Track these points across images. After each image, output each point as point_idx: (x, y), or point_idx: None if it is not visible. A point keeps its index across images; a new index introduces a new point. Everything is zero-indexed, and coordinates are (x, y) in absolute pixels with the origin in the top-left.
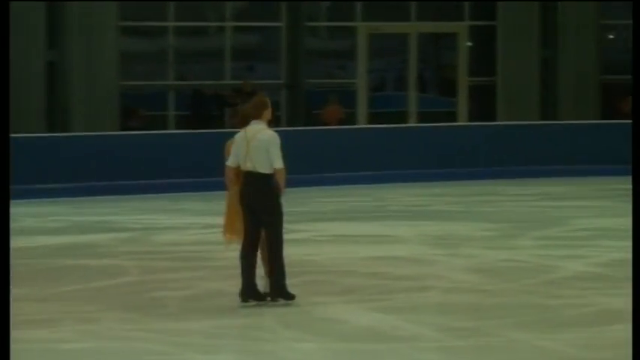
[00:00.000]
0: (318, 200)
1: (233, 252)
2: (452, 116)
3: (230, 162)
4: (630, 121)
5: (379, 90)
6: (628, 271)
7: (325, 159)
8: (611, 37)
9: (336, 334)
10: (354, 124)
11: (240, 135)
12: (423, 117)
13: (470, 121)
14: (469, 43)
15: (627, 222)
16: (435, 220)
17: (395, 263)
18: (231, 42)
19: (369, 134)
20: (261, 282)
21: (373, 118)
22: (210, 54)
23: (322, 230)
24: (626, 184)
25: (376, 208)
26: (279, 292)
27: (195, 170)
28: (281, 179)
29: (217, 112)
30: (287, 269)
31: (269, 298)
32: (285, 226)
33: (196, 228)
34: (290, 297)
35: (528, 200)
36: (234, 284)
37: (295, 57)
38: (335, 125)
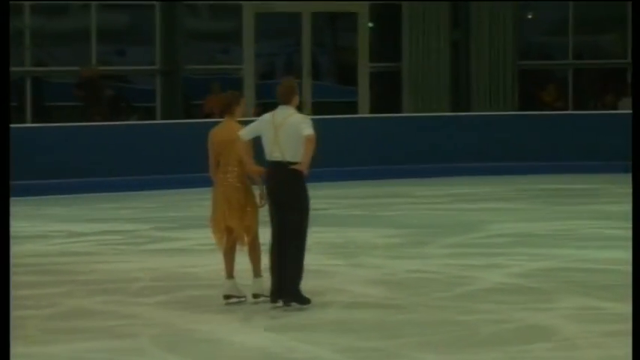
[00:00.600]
0: (198, 204)
1: (101, 264)
2: (351, 107)
3: (244, 133)
4: (554, 112)
5: (268, 77)
6: (550, 282)
7: (206, 155)
8: (530, 17)
9: (223, 358)
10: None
11: (266, 120)
12: (318, 108)
13: (372, 112)
14: (370, 24)
15: (549, 226)
16: (334, 225)
17: None
18: (97, 22)
19: None
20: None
21: (261, 108)
22: (74, 36)
23: (202, 238)
24: (546, 184)
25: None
26: (293, 295)
27: (60, 170)
28: (309, 148)
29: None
30: (161, 283)
31: (262, 299)
32: (159, 234)
33: (61, 237)
34: (305, 301)
35: (438, 203)
36: (103, 301)
37: (172, 39)
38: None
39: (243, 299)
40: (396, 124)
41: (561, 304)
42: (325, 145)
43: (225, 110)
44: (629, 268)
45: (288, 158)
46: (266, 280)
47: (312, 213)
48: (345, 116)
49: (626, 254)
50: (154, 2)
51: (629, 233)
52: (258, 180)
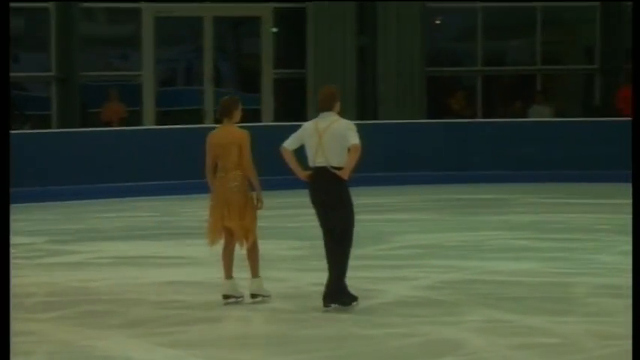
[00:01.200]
0: (96, 215)
1: None
2: (255, 114)
3: (288, 143)
4: (462, 120)
5: (168, 84)
6: (458, 295)
7: (104, 165)
8: (438, 22)
9: None
10: (140, 125)
11: (310, 128)
12: None
13: (276, 120)
14: (274, 29)
15: (457, 237)
16: None
17: (188, 290)
18: None
19: (157, 136)
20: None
21: (162, 117)
22: None
23: (101, 251)
24: (455, 194)
25: (165, 224)
26: (338, 296)
27: None
28: (353, 157)
29: None
30: (57, 298)
31: (260, 299)
32: (55, 247)
33: None
34: (352, 299)
35: None
36: None
37: (67, 45)
38: (116, 126)
39: (240, 299)
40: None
41: (469, 317)
42: None
43: (225, 114)
44: (539, 279)
45: (334, 163)
46: (263, 281)
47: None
48: (248, 124)
49: (536, 265)
50: (48, 5)
51: (539, 244)
52: (257, 184)
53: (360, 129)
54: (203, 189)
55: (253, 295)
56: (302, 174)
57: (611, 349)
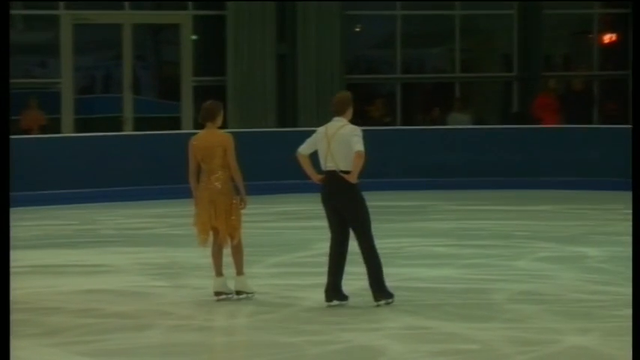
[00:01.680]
0: (14, 224)
1: None
2: (175, 122)
3: (303, 149)
4: (382, 127)
5: (88, 91)
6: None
7: (23, 173)
8: (358, 30)
9: None
10: (59, 132)
11: (321, 133)
12: (140, 123)
13: (196, 128)
14: (194, 37)
15: (376, 244)
16: (157, 245)
17: (109, 298)
18: None
19: (75, 144)
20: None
21: (81, 124)
22: None
23: (18, 260)
24: (373, 201)
25: (84, 232)
26: (380, 291)
27: None
28: (357, 163)
29: None
30: None
31: (244, 296)
32: None
33: None
34: (390, 296)
35: (264, 221)
36: None
37: None
38: (36, 134)
39: (231, 296)
40: None
41: (390, 323)
42: (147, 163)
43: (208, 118)
44: (458, 286)
45: (342, 167)
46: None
47: (130, 233)
48: (168, 132)
49: (455, 272)
50: None
51: (458, 251)
52: (242, 185)
53: (281, 136)
54: (123, 197)
55: (238, 292)
56: (316, 177)
57: (529, 355)
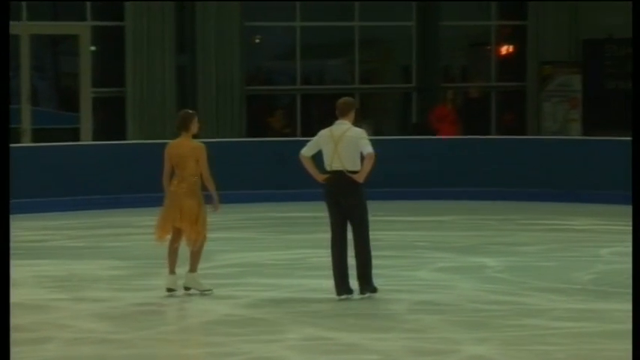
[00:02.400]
0: None
1: None
2: (74, 133)
3: (305, 151)
4: (282, 139)
5: None
6: (278, 313)
7: None
8: (258, 41)
9: None
10: None
11: (325, 135)
12: (38, 135)
13: (95, 139)
14: (93, 48)
15: (277, 256)
16: (54, 258)
17: None
18: None
19: None
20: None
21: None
22: None
23: None
24: (274, 212)
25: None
26: (366, 284)
27: None
28: (368, 164)
29: None
30: None
31: (193, 291)
32: None
33: None
34: (374, 290)
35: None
36: None
37: None
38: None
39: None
40: (119, 151)
41: (290, 334)
42: (44, 174)
43: (182, 127)
44: (358, 296)
45: (349, 168)
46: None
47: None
48: (67, 144)
49: (355, 282)
50: None
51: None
52: (215, 192)
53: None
54: (19, 209)
55: (186, 288)
56: (319, 177)
57: None
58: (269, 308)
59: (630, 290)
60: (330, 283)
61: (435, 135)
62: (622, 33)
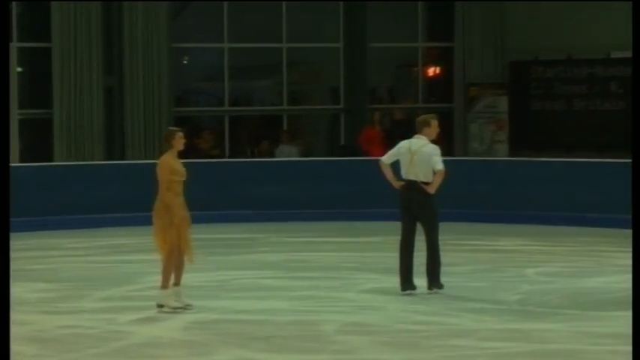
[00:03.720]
0: None
1: None
2: None
3: (385, 158)
4: (210, 160)
5: None
6: (206, 335)
7: None
8: (185, 62)
9: None
10: None
11: (405, 147)
12: None
13: (22, 161)
14: (19, 69)
15: (204, 277)
16: None
17: None
18: None
19: None
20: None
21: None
22: None
23: None
24: (201, 234)
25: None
26: (434, 281)
27: None
28: (438, 179)
29: None
30: None
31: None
32: None
33: None
34: (441, 286)
35: (92, 255)
36: None
37: None
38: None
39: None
40: (46, 174)
41: (219, 356)
42: None
43: (166, 145)
44: (287, 318)
45: (422, 179)
46: None
47: None
48: None
49: (284, 304)
50: None
51: (286, 283)
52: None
53: (108, 169)
54: None
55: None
56: (396, 184)
57: None
58: (197, 330)
59: (557, 310)
60: (259, 304)
61: (363, 156)
62: (548, 55)
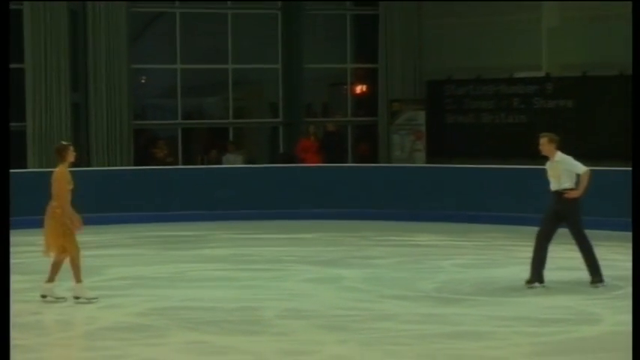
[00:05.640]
0: None
1: None
2: None
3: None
4: (165, 167)
5: None
6: (163, 320)
7: None
8: (143, 81)
9: None
10: None
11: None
12: None
13: None
14: None
15: (162, 269)
16: None
17: None
18: None
19: None
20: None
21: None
22: None
23: None
24: (159, 231)
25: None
26: (600, 276)
27: None
28: (587, 180)
29: None
30: None
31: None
32: None
33: None
34: (601, 279)
35: None
36: None
37: None
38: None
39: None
40: (22, 180)
41: (174, 339)
42: None
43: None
44: (234, 305)
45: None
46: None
47: None
48: None
49: (231, 292)
50: None
51: (233, 274)
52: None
53: (75, 176)
54: None
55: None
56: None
57: None
58: (155, 316)
59: (470, 297)
60: (209, 293)
61: (300, 163)
62: (460, 75)
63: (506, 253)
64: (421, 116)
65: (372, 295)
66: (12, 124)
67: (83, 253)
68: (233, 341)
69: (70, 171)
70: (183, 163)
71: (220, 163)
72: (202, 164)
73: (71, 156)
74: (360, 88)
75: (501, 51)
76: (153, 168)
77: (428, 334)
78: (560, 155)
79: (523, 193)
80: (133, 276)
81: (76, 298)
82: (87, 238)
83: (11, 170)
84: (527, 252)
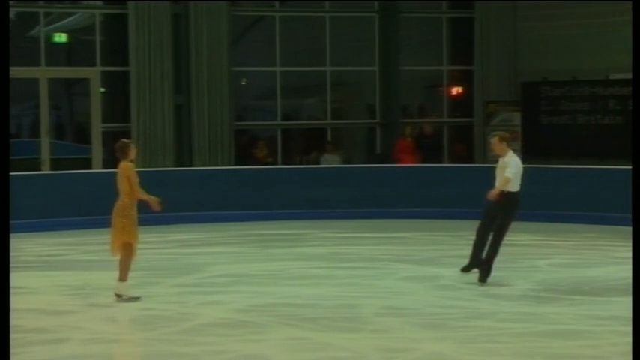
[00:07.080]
0: None
1: None
2: (87, 163)
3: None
4: (265, 167)
5: (15, 136)
6: (264, 316)
7: None
8: (244, 83)
9: None
10: None
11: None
12: (57, 164)
13: (104, 167)
14: (102, 89)
15: (262, 267)
16: (71, 269)
17: (29, 315)
18: None
19: None
20: None
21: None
22: None
23: None
24: (259, 230)
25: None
26: (486, 269)
27: None
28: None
29: None
30: None
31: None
32: None
33: None
34: (487, 277)
35: (165, 247)
36: None
37: None
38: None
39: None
40: None
41: (274, 335)
42: (63, 198)
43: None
44: (333, 302)
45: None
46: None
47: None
48: (81, 171)
49: (330, 290)
50: None
51: (332, 272)
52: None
53: (177, 175)
54: (41, 227)
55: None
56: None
57: None
58: (256, 312)
59: (566, 296)
60: (309, 290)
61: (396, 164)
62: (555, 76)
63: (603, 252)
64: (516, 117)
65: (469, 293)
66: (117, 124)
67: (185, 250)
68: (332, 338)
69: (163, 170)
70: (283, 164)
71: (319, 163)
72: (301, 164)
73: (133, 153)
74: (455, 90)
75: (597, 52)
76: (253, 168)
77: (525, 333)
78: (510, 155)
79: (618, 194)
80: (234, 273)
81: (118, 296)
82: (189, 235)
83: (111, 170)
84: (623, 252)
